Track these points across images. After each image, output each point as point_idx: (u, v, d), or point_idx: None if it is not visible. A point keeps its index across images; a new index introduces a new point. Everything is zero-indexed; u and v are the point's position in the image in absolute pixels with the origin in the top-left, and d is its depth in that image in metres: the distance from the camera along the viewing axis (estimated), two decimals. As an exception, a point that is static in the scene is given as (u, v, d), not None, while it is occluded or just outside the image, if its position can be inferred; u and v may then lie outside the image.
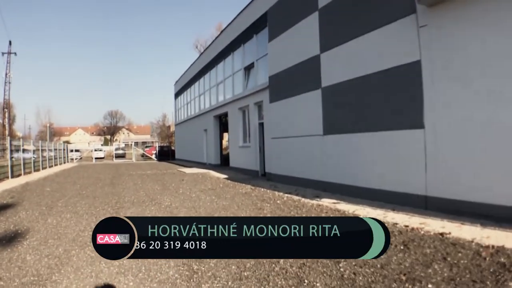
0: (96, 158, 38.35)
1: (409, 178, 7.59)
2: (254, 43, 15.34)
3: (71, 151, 38.53)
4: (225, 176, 15.50)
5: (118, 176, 17.45)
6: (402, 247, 4.83)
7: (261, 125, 14.92)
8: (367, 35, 8.64)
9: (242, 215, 7.00)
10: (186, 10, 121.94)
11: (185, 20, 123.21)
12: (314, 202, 8.37)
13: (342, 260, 4.25)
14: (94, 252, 4.79)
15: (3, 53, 61.40)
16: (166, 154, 38.16)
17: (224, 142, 24.98)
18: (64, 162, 32.18)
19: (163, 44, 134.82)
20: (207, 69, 22.82)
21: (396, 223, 6.14)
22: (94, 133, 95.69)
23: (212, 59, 21.44)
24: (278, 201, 8.57)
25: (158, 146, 40.91)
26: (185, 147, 30.59)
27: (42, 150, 24.15)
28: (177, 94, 33.62)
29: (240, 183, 12.75)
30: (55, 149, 28.56)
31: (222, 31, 19.93)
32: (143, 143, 53.61)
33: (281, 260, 4.30)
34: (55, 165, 27.56)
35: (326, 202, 8.31)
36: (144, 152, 42.16)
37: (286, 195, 9.52)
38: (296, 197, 9.07)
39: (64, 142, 37.79)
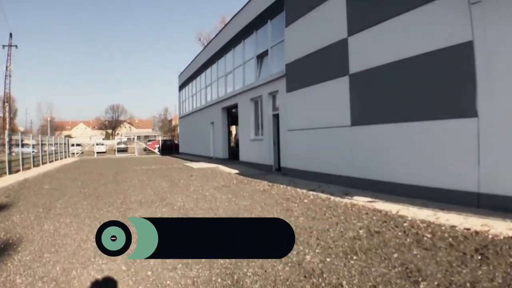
0: (97, 152, 37.42)
1: (457, 173, 6.66)
2: (268, 29, 14.27)
3: (72, 145, 37.62)
4: (236, 171, 14.53)
5: (121, 171, 16.49)
6: (479, 257, 3.89)
7: (276, 116, 13.91)
8: (406, 14, 7.62)
9: (267, 214, 6.02)
10: (188, 2, 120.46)
11: (188, 12, 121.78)
12: (346, 200, 7.40)
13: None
14: (100, 272, 3.85)
15: (3, 46, 60.14)
16: (169, 148, 37.24)
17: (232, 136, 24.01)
18: (65, 157, 31.27)
19: (164, 36, 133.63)
20: (214, 59, 21.76)
21: (454, 226, 5.21)
22: (96, 127, 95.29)
23: (220, 49, 20.37)
24: (305, 200, 7.58)
25: (161, 140, 39.89)
26: (190, 141, 29.60)
27: (42, 144, 23.24)
28: (181, 86, 32.57)
29: (254, 178, 11.78)
30: (56, 144, 27.63)
31: (231, 19, 18.82)
32: (145, 137, 52.68)
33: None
34: (56, 160, 26.64)
35: (360, 200, 7.33)
36: (147, 146, 41.21)
37: (311, 192, 8.54)
38: (323, 195, 8.08)
39: (66, 136, 36.86)
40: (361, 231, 5.15)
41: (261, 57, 15.25)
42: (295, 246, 4.43)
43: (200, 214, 6.56)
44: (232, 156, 21.01)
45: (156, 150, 38.04)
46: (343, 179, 9.40)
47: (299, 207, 6.88)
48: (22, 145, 19.82)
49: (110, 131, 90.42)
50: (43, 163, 22.09)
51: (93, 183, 12.01)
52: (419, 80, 7.34)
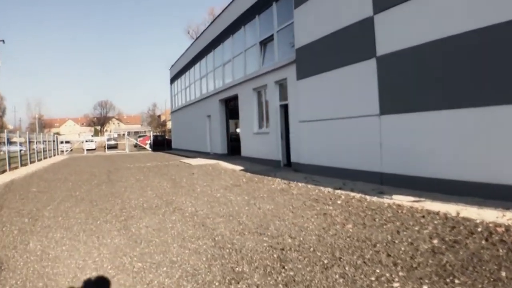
0: (87, 149, 35.88)
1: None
2: (273, 12, 13.08)
3: (61, 142, 36.02)
4: (240, 167, 13.37)
5: (115, 170, 15.21)
6: None
7: (283, 107, 12.78)
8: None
9: (309, 227, 4.91)
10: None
11: (176, 5, 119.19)
12: (387, 201, 6.35)
13: None
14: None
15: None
16: (161, 144, 35.88)
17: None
18: (54, 155, 29.74)
19: (152, 31, 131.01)
20: (210, 48, 20.47)
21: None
22: (84, 124, 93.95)
23: (217, 36, 19.09)
24: (339, 202, 6.49)
25: (152, 136, 38.42)
26: (184, 136, 28.27)
27: (30, 142, 21.78)
28: (173, 79, 31.14)
29: (264, 176, 10.67)
30: (45, 141, 26.12)
31: (229, 3, 17.51)
32: (135, 132, 50.92)
33: None
34: (45, 158, 25.15)
35: (403, 200, 6.29)
36: (138, 142, 39.71)
37: (338, 191, 7.46)
38: (355, 194, 7.01)
39: (54, 133, 35.22)
40: (434, 241, 4.10)
41: (264, 43, 14.05)
42: (368, 268, 3.35)
43: (220, 223, 5.41)
44: (232, 152, 19.84)
45: (147, 146, 36.63)
46: (370, 175, 8.34)
47: (336, 211, 5.79)
48: (10, 143, 18.45)
49: (98, 127, 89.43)
50: (31, 162, 20.62)
51: (85, 184, 10.75)
52: (470, 61, 6.27)
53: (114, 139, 42.35)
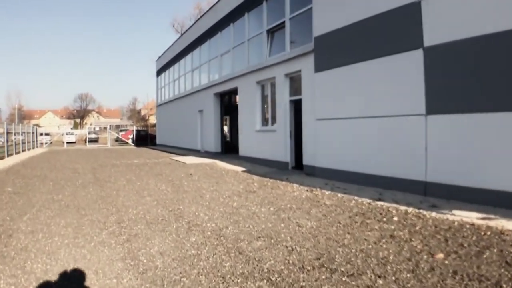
0: (67, 142, 33.76)
1: None
2: (284, -5, 11.74)
3: (41, 134, 33.82)
4: (242, 168, 12.02)
5: (100, 167, 13.59)
6: None
7: (294, 102, 11.50)
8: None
9: (388, 257, 3.62)
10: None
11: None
12: (450, 217, 5.22)
13: None
14: None
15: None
16: (144, 139, 34.15)
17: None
18: (34, 147, 27.63)
19: (135, 23, 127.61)
20: (205, 38, 18.96)
21: None
22: (64, 116, 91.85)
23: (214, 24, 17.59)
24: (395, 218, 5.24)
25: (135, 130, 36.49)
26: (171, 132, 26.60)
27: (8, 133, 19.86)
28: (160, 71, 29.38)
29: (275, 180, 9.37)
30: (24, 133, 24.07)
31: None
32: (117, 126, 48.71)
33: None
34: (23, 150, 23.13)
35: (470, 217, 5.15)
36: (120, 137, 37.73)
37: (381, 203, 6.23)
38: (406, 208, 5.78)
39: (34, 125, 32.97)
40: None
41: (272, 31, 12.70)
42: None
43: (262, 249, 4.03)
44: (226, 150, 18.43)
45: (130, 141, 34.76)
46: (410, 184, 7.15)
47: (403, 232, 4.52)
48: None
49: (78, 120, 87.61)
50: (8, 155, 18.62)
51: (69, 184, 9.17)
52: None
53: (95, 132, 40.25)
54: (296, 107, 11.42)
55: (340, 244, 4.15)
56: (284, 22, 11.70)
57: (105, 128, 41.09)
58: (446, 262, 3.54)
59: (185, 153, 20.18)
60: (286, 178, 9.61)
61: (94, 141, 36.64)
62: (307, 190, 7.75)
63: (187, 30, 23.24)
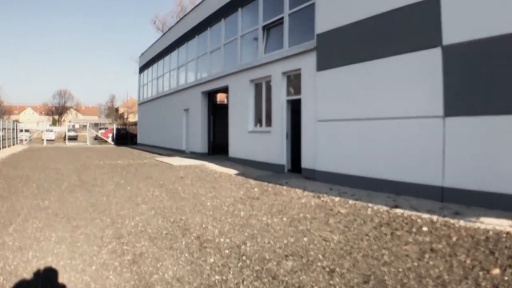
0: (47, 140, 32.42)
1: None
2: (283, -10, 11.20)
3: (21, 131, 32.35)
4: (235, 171, 11.43)
5: (84, 167, 12.75)
6: None
7: (292, 102, 11.01)
8: None
9: (442, 276, 3.15)
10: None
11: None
12: (481, 225, 4.93)
13: None
14: None
15: None
16: (124, 138, 33.10)
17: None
18: (14, 144, 26.30)
19: (115, 20, 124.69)
20: (193, 34, 18.23)
21: None
22: (43, 112, 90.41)
23: (203, 21, 16.91)
24: (424, 228, 4.79)
25: (115, 129, 35.26)
26: (153, 131, 25.66)
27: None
28: (143, 68, 28.37)
29: (275, 184, 8.89)
30: (4, 129, 22.79)
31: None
32: (95, 124, 47.12)
33: None
34: (4, 147, 21.92)
35: (502, 225, 4.80)
36: (100, 135, 36.45)
37: (399, 211, 5.81)
38: (429, 216, 5.37)
39: (14, 121, 31.49)
40: None
41: (268, 28, 12.15)
42: None
43: (298, 272, 3.46)
44: (213, 151, 17.76)
45: (110, 140, 33.57)
46: (424, 189, 6.76)
47: (441, 245, 4.06)
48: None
49: (56, 117, 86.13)
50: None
51: (54, 187, 8.40)
52: None
53: (75, 130, 38.85)
54: (294, 108, 10.93)
55: (382, 262, 3.66)
56: (282, 18, 11.16)
57: (84, 126, 39.70)
58: (506, 278, 3.12)
59: (170, 153, 19.41)
60: (286, 182, 9.10)
61: (73, 139, 35.40)
62: (313, 196, 7.26)
63: (173, 26, 22.41)
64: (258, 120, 12.89)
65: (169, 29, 23.22)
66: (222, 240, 4.51)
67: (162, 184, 9.05)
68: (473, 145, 6.12)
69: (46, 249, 4.16)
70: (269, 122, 12.01)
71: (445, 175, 6.51)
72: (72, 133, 36.65)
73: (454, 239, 4.35)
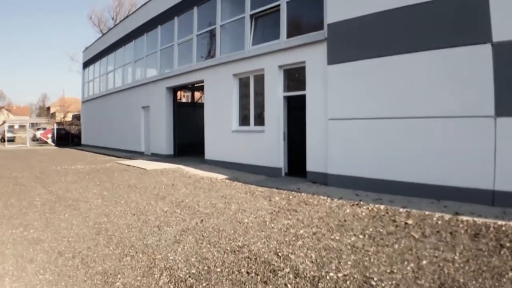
0: None
1: None
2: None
3: None
4: (223, 176, 10.23)
5: (45, 176, 10.78)
6: None
7: (290, 99, 10.12)
8: None
9: None
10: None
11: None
12: None
13: None
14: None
15: None
16: (65, 139, 30.11)
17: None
18: None
19: (49, 15, 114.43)
20: (154, 24, 16.54)
21: None
22: None
23: (169, 8, 15.32)
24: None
25: (56, 129, 31.92)
26: (102, 131, 23.22)
27: None
28: (88, 63, 25.63)
29: (288, 190, 7.96)
30: None
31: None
32: (32, 124, 42.58)
33: None
34: None
35: None
36: (40, 136, 32.88)
37: (473, 219, 5.19)
38: (505, 222, 4.81)
39: None
40: None
41: (257, 17, 11.09)
42: None
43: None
44: (179, 153, 16.26)
45: (50, 141, 30.36)
46: (470, 193, 6.27)
47: None
48: None
49: None
50: None
51: (26, 204, 6.73)
52: None
53: (12, 131, 34.68)
54: (293, 105, 10.06)
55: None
56: (278, 5, 10.18)
57: (21, 126, 35.64)
58: None
59: (129, 156, 17.57)
60: (298, 188, 8.19)
61: (11, 140, 31.63)
62: (352, 205, 6.45)
63: (129, 15, 20.43)
64: (244, 119, 11.80)
65: (124, 18, 21.22)
66: (333, 276, 3.49)
67: (158, 194, 7.71)
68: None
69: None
70: (260, 121, 11.00)
71: (497, 178, 6.06)
72: (10, 134, 32.70)
73: None
